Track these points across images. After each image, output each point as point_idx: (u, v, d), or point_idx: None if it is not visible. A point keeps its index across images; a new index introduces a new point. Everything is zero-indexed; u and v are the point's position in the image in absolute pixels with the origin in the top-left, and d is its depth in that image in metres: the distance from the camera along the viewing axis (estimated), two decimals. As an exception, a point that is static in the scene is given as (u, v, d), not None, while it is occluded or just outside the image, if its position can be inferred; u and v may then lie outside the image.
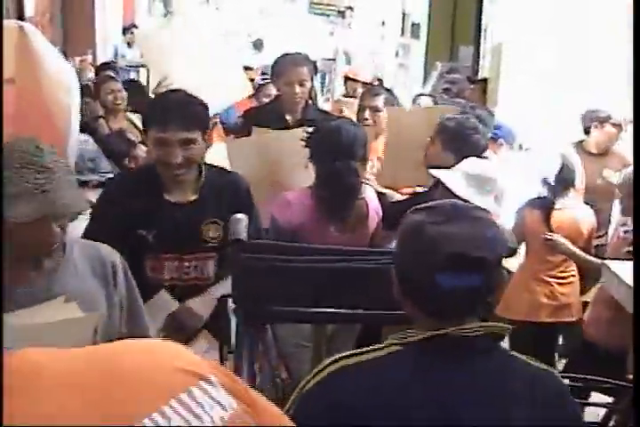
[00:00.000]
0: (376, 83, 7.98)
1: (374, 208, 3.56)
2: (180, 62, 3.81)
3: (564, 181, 4.45)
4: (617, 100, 5.28)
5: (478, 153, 3.64)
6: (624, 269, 3.54)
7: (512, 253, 3.27)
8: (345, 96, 7.44)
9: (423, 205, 1.81)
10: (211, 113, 3.90)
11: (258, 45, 16.09)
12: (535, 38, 5.98)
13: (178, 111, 2.75)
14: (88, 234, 2.73)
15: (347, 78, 7.66)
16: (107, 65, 8.65)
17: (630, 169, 4.25)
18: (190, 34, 3.86)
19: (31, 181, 1.89)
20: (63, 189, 1.96)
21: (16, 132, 2.30)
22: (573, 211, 4.50)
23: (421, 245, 1.69)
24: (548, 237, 4.35)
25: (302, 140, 3.52)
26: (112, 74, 6.55)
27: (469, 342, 1.69)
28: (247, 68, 8.08)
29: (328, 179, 3.39)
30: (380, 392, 1.67)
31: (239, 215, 2.62)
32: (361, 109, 4.59)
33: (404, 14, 15.33)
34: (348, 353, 1.76)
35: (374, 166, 4.19)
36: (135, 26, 12.16)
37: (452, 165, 3.47)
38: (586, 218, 4.52)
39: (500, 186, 3.45)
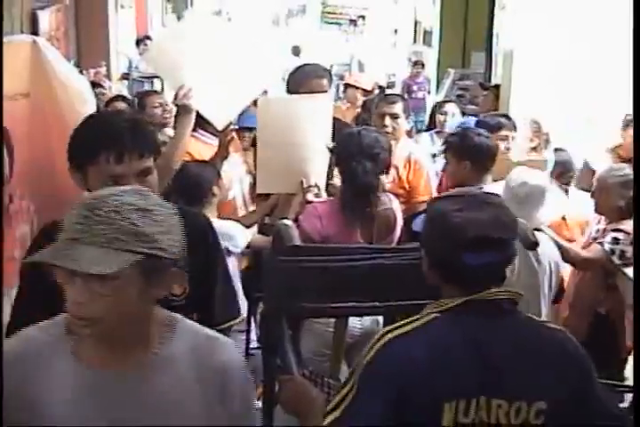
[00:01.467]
0: (377, 90, 7.97)
1: (401, 215, 3.59)
2: (193, 71, 3.79)
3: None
4: (629, 104, 5.27)
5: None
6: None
7: (533, 246, 3.30)
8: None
9: (444, 195, 2.12)
10: (227, 121, 3.96)
11: (297, 52, 16.12)
12: (546, 44, 5.97)
13: (131, 137, 2.15)
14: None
15: (347, 85, 7.62)
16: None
17: (606, 166, 4.36)
18: (203, 42, 3.83)
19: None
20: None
21: (31, 145, 2.34)
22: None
23: (448, 230, 1.93)
24: None
25: (327, 147, 3.58)
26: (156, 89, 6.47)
27: (497, 305, 1.95)
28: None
29: (346, 179, 3.46)
30: (433, 352, 1.90)
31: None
32: (379, 117, 4.55)
33: (416, 22, 15.39)
34: (393, 326, 1.97)
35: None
36: (149, 37, 12.26)
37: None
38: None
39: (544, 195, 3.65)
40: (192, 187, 3.78)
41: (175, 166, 3.75)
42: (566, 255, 4.08)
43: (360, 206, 3.44)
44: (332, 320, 3.16)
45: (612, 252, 4.01)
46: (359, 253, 2.64)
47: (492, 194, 2.14)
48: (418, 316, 1.99)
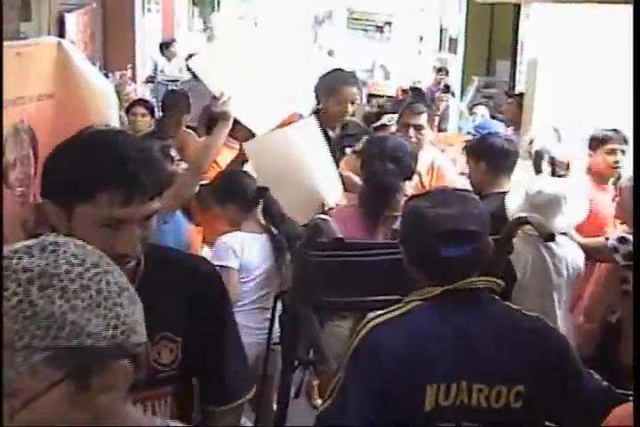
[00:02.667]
0: (404, 94, 7.98)
1: None
2: (236, 79, 3.80)
3: None
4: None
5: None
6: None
7: (550, 237, 3.33)
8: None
9: (418, 194, 2.25)
10: (266, 129, 3.92)
11: (331, 54, 16.23)
12: (570, 53, 5.97)
13: (146, 174, 1.67)
14: None
15: (371, 95, 7.64)
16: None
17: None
18: (247, 52, 3.84)
19: None
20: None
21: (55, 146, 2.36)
22: None
23: (422, 226, 2.06)
24: None
25: (355, 151, 3.63)
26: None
27: (474, 293, 2.06)
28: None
29: (368, 181, 3.55)
30: (415, 337, 2.00)
31: (323, 216, 2.70)
32: (403, 126, 4.51)
33: (441, 29, 15.36)
34: (376, 314, 2.08)
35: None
36: (174, 40, 12.33)
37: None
38: None
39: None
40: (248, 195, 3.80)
41: (205, 172, 3.80)
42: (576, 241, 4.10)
43: (380, 208, 3.47)
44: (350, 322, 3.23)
45: (616, 249, 3.98)
46: (386, 248, 2.74)
47: (463, 190, 2.30)
48: (400, 304, 2.10)
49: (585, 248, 4.10)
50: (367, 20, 17.06)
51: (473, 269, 2.08)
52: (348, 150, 4.34)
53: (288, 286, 3.10)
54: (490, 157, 3.91)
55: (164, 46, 11.68)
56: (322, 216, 2.75)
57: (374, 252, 2.75)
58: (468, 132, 6.94)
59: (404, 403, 1.99)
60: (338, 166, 4.24)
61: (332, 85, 4.44)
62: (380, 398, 1.98)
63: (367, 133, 4.50)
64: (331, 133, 4.51)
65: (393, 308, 2.09)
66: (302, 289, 2.75)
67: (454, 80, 11.82)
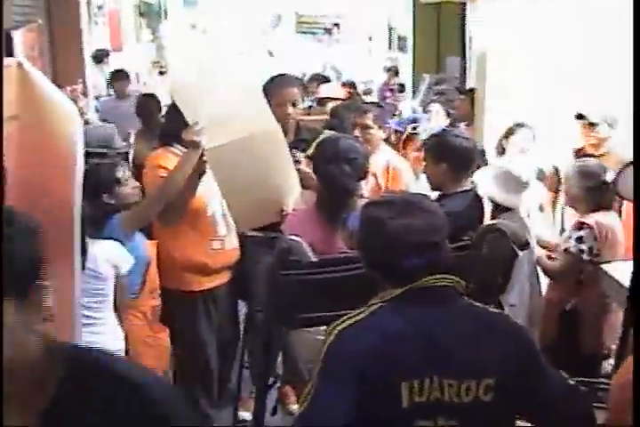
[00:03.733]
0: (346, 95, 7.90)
1: None
2: (208, 108, 3.86)
3: None
4: (605, 103, 5.36)
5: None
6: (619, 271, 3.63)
7: (524, 245, 3.39)
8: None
9: (378, 200, 2.27)
10: None
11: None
12: (519, 46, 6.05)
13: None
14: None
15: (322, 99, 7.44)
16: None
17: (578, 162, 4.47)
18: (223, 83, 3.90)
19: None
20: None
21: (21, 167, 2.37)
22: None
23: (384, 237, 2.09)
24: None
25: (308, 156, 3.64)
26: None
27: (436, 292, 2.11)
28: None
29: (323, 183, 3.54)
30: (381, 337, 2.05)
31: (295, 238, 2.78)
32: (351, 127, 4.59)
33: (390, 28, 15.48)
34: (340, 320, 2.12)
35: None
36: (108, 54, 11.83)
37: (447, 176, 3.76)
38: None
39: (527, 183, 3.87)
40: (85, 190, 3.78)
41: (168, 200, 3.90)
42: (542, 267, 4.21)
43: (338, 210, 3.50)
44: (321, 329, 3.26)
45: (581, 251, 4.10)
46: (350, 263, 2.75)
47: (423, 197, 2.29)
48: (362, 308, 2.14)
49: (555, 272, 4.24)
50: (315, 22, 17.10)
51: (433, 273, 2.12)
52: (300, 155, 4.33)
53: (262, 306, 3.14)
54: (451, 158, 3.89)
55: (97, 58, 11.18)
56: (293, 238, 2.78)
57: (345, 267, 2.78)
58: (396, 131, 6.85)
59: (382, 400, 2.03)
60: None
61: (272, 88, 4.48)
62: (358, 397, 2.01)
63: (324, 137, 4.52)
64: None
65: (355, 312, 2.13)
66: (276, 308, 2.81)
67: (406, 78, 11.91)
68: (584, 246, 4.10)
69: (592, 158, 4.57)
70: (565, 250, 4.17)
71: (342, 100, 7.36)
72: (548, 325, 4.24)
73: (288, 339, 2.90)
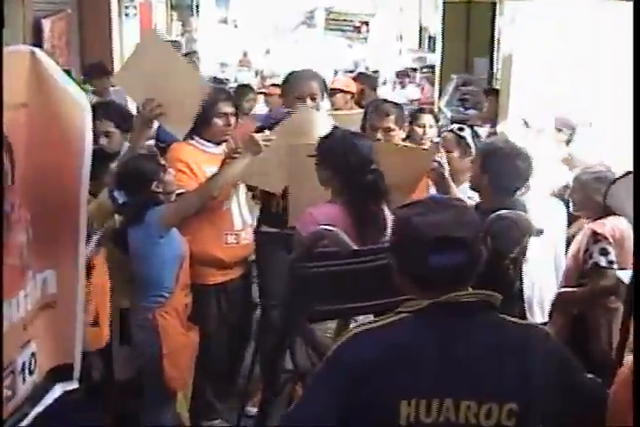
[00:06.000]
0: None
1: (390, 218, 3.59)
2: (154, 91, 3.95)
3: None
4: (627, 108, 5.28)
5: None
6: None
7: (539, 233, 3.31)
8: (335, 110, 6.72)
9: (409, 202, 2.18)
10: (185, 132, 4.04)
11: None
12: (545, 49, 5.99)
13: None
14: None
15: (334, 90, 7.07)
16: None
17: (585, 167, 4.34)
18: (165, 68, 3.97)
19: None
20: None
21: (30, 155, 2.37)
22: None
23: (410, 234, 2.00)
24: None
25: (310, 155, 3.57)
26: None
27: (464, 307, 1.99)
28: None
29: (362, 190, 3.42)
30: (392, 349, 1.96)
31: (327, 227, 2.75)
32: (371, 129, 4.44)
33: (421, 28, 15.41)
34: (365, 322, 2.08)
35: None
36: None
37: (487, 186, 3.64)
38: None
39: None
40: (132, 179, 3.80)
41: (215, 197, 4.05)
42: (573, 299, 4.08)
43: (372, 214, 3.44)
44: (330, 326, 3.23)
45: (611, 262, 3.99)
46: (371, 255, 2.78)
47: (454, 198, 2.21)
48: (389, 315, 2.05)
49: (595, 292, 4.03)
50: (344, 20, 17.06)
51: (463, 281, 2.02)
52: None
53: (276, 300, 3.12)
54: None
55: None
56: (327, 227, 2.74)
57: (373, 257, 2.76)
58: None
59: (374, 416, 1.95)
60: None
61: (291, 82, 4.50)
62: (347, 407, 1.95)
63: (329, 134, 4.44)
64: None
65: (379, 318, 2.07)
66: (301, 302, 2.77)
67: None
68: (612, 257, 3.99)
69: (599, 163, 4.45)
70: (595, 266, 4.01)
71: (352, 93, 7.27)
72: (557, 329, 4.18)
73: (312, 331, 2.86)
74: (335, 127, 3.89)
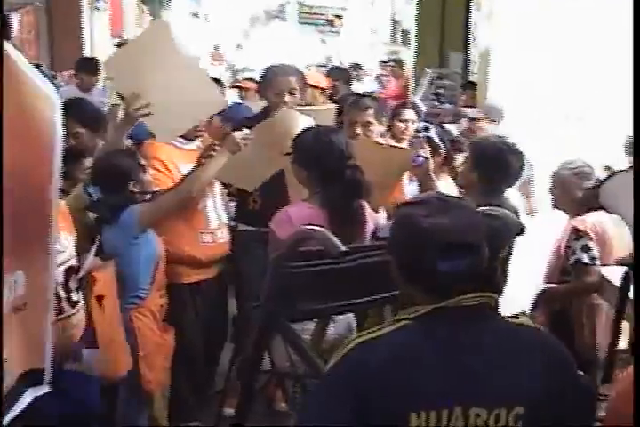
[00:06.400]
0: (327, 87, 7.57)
1: (370, 215, 3.52)
2: (147, 87, 3.82)
3: None
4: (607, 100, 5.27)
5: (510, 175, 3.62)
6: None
7: (523, 231, 3.27)
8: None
9: (412, 200, 2.08)
10: (171, 138, 4.00)
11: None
12: (522, 42, 5.96)
13: None
14: None
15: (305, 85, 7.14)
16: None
17: (566, 160, 4.26)
18: (159, 62, 3.84)
19: None
20: None
21: (3, 152, 2.28)
22: None
23: (416, 236, 1.90)
24: None
25: (287, 153, 3.48)
26: None
27: (469, 310, 1.91)
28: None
29: (340, 187, 3.33)
30: (397, 360, 1.87)
31: (312, 227, 2.65)
32: (351, 124, 4.37)
33: (394, 21, 15.36)
34: (365, 331, 1.97)
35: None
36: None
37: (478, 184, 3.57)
38: None
39: None
40: (110, 177, 3.70)
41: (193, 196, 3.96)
42: (557, 295, 4.02)
43: (351, 212, 3.36)
44: (307, 327, 3.19)
45: (593, 259, 3.93)
46: (366, 251, 2.77)
47: (460, 198, 2.11)
48: (388, 322, 1.98)
49: (579, 289, 3.98)
50: (316, 13, 16.97)
51: (469, 285, 1.95)
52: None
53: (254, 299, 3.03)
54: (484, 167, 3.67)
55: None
56: (312, 227, 2.65)
57: (355, 256, 2.71)
58: None
59: None
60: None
61: (269, 77, 4.42)
62: (355, 422, 1.87)
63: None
64: None
65: (380, 326, 1.97)
66: (282, 301, 2.70)
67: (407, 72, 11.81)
68: (594, 254, 3.93)
69: (578, 158, 4.38)
70: (576, 263, 3.95)
71: (322, 89, 7.18)
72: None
73: (292, 330, 2.79)
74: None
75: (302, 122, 3.96)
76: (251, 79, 7.82)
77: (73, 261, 2.97)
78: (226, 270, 4.45)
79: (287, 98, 4.33)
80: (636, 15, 3.57)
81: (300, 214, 3.32)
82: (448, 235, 1.87)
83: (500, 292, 3.46)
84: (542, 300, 4.11)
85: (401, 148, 4.31)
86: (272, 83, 4.38)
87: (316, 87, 7.01)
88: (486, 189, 3.59)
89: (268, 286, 2.76)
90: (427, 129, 3.87)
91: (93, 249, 3.32)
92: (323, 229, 2.63)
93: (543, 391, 1.93)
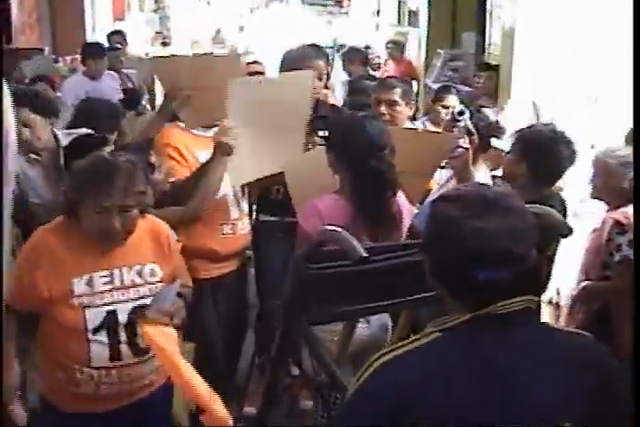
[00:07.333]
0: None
1: (407, 210, 3.31)
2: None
3: None
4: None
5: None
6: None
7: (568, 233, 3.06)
8: None
9: (452, 195, 1.81)
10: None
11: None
12: (548, 23, 5.71)
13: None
14: None
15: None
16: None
17: (603, 147, 4.05)
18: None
19: None
20: None
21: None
22: None
23: (456, 241, 1.69)
24: None
25: (322, 144, 3.29)
26: None
27: (508, 318, 1.72)
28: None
29: (365, 178, 3.11)
30: (431, 378, 1.68)
31: (334, 228, 2.45)
32: (375, 103, 4.23)
33: (399, 2, 15.07)
34: (390, 348, 1.77)
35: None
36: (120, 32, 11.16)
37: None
38: None
39: None
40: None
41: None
42: (602, 293, 3.81)
43: (378, 206, 3.15)
44: (336, 329, 2.99)
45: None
46: (382, 254, 2.52)
47: (506, 192, 1.84)
48: (417, 335, 1.78)
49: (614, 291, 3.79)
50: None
51: (510, 293, 1.74)
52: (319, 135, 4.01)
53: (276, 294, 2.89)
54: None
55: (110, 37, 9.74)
56: (332, 228, 2.48)
57: (381, 257, 2.52)
58: None
59: None
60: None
61: (296, 60, 4.13)
62: None
63: (340, 115, 4.15)
64: None
65: (407, 341, 1.77)
66: (303, 303, 2.54)
67: (414, 54, 11.56)
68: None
69: (622, 145, 4.16)
70: (622, 260, 3.70)
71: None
72: (577, 324, 3.93)
73: (321, 344, 2.60)
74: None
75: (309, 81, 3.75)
76: (255, 62, 7.60)
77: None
78: (247, 263, 4.26)
79: (316, 83, 4.06)
80: (635, 18, 3.36)
81: (329, 208, 3.14)
82: (490, 242, 1.66)
83: (543, 291, 3.29)
84: (582, 297, 3.91)
85: (440, 133, 4.08)
86: (299, 67, 4.10)
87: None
88: (535, 182, 3.38)
89: (288, 286, 2.61)
90: (461, 113, 3.62)
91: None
92: (343, 232, 2.44)
93: (591, 408, 1.74)
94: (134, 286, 2.86)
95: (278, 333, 2.81)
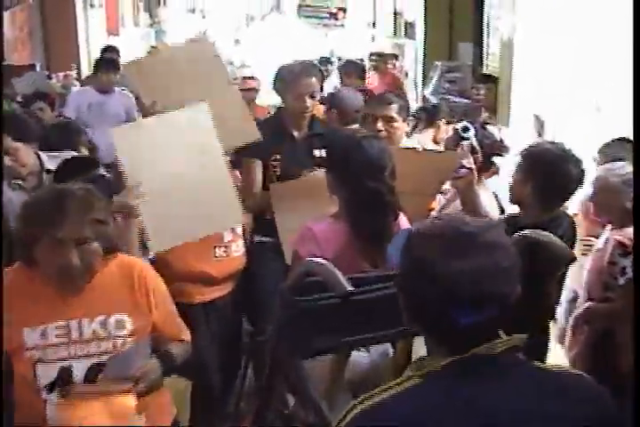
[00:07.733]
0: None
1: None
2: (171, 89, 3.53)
3: None
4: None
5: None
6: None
7: (570, 261, 2.91)
8: None
9: (427, 231, 1.67)
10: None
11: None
12: (547, 33, 5.62)
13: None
14: None
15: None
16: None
17: (612, 165, 3.89)
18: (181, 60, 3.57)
19: None
20: None
21: None
22: None
23: (434, 282, 1.58)
24: None
25: (318, 165, 3.17)
26: None
27: (493, 360, 1.62)
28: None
29: (364, 200, 2.96)
30: (412, 425, 1.58)
31: (318, 260, 2.40)
32: (372, 120, 4.10)
33: (395, 14, 15.02)
34: (368, 394, 1.64)
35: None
36: (113, 48, 11.03)
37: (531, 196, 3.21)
38: None
39: None
40: None
41: None
42: (603, 315, 3.67)
43: (378, 229, 3.01)
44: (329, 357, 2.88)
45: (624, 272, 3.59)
46: (382, 281, 2.42)
47: (486, 223, 1.70)
48: (396, 381, 1.65)
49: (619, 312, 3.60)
50: (319, 6, 16.67)
51: (494, 334, 1.65)
52: (316, 153, 3.96)
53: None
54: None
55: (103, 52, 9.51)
56: (318, 260, 2.39)
57: (370, 288, 2.44)
58: None
59: None
60: (310, 169, 3.84)
61: (287, 79, 4.03)
62: None
63: (338, 134, 4.03)
64: (295, 133, 4.10)
65: (384, 387, 1.65)
66: (290, 338, 2.45)
67: (411, 66, 11.49)
68: (623, 261, 3.59)
69: (626, 163, 4.03)
70: (627, 282, 3.54)
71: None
72: (580, 344, 3.81)
73: (308, 382, 2.48)
74: None
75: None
76: (251, 77, 7.52)
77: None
78: (240, 286, 4.13)
79: (308, 102, 3.98)
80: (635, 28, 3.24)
81: (323, 231, 2.98)
82: (471, 284, 1.56)
83: (552, 317, 3.16)
84: (585, 318, 3.77)
85: (442, 151, 3.95)
86: (291, 85, 3.99)
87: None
88: (542, 203, 3.22)
89: (276, 320, 2.54)
90: (466, 129, 3.47)
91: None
92: (328, 264, 2.35)
93: None
94: (95, 339, 2.47)
95: (267, 367, 2.74)
